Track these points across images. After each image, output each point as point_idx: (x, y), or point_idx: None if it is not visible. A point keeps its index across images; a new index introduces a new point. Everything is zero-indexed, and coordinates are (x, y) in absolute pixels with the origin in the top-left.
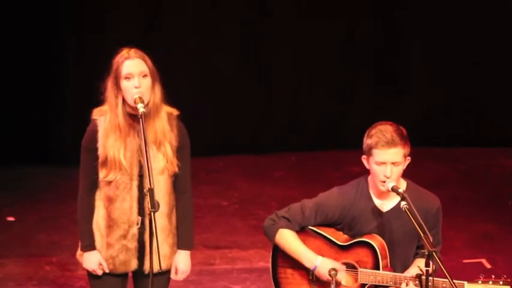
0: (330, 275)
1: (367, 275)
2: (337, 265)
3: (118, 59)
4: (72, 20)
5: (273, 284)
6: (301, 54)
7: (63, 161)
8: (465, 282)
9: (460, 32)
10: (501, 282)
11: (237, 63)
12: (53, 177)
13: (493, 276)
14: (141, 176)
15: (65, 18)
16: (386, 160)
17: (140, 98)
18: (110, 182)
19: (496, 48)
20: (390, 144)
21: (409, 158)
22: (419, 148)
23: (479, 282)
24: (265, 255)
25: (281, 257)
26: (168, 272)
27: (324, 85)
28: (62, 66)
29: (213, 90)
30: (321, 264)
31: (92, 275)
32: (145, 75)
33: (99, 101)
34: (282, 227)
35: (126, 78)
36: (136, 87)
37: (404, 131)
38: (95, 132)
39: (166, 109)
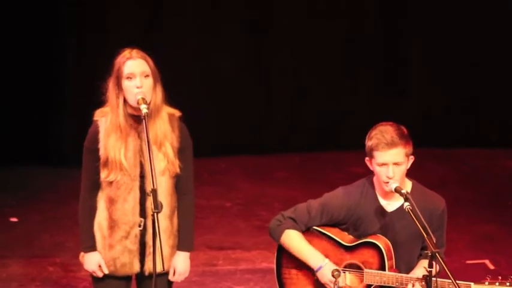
0: (333, 275)
1: (373, 275)
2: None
3: (120, 59)
4: (72, 20)
5: (277, 284)
6: (301, 54)
7: (64, 161)
8: (472, 283)
9: (460, 32)
10: (508, 283)
11: (237, 63)
12: (54, 177)
13: (500, 277)
14: (142, 177)
15: (65, 18)
16: (388, 161)
17: (143, 98)
18: (111, 183)
19: (496, 48)
20: (390, 145)
21: (412, 157)
22: (420, 149)
23: (486, 283)
24: (268, 256)
25: (286, 258)
26: (168, 273)
27: (325, 85)
28: (62, 66)
29: (213, 90)
30: (327, 266)
31: (95, 278)
32: (147, 76)
33: (100, 101)
34: (288, 228)
35: (127, 78)
36: (138, 87)
37: (405, 130)
38: (96, 133)
39: (167, 110)
